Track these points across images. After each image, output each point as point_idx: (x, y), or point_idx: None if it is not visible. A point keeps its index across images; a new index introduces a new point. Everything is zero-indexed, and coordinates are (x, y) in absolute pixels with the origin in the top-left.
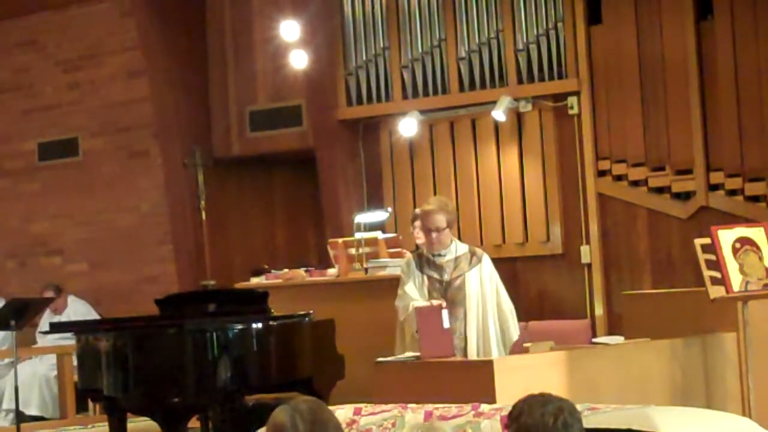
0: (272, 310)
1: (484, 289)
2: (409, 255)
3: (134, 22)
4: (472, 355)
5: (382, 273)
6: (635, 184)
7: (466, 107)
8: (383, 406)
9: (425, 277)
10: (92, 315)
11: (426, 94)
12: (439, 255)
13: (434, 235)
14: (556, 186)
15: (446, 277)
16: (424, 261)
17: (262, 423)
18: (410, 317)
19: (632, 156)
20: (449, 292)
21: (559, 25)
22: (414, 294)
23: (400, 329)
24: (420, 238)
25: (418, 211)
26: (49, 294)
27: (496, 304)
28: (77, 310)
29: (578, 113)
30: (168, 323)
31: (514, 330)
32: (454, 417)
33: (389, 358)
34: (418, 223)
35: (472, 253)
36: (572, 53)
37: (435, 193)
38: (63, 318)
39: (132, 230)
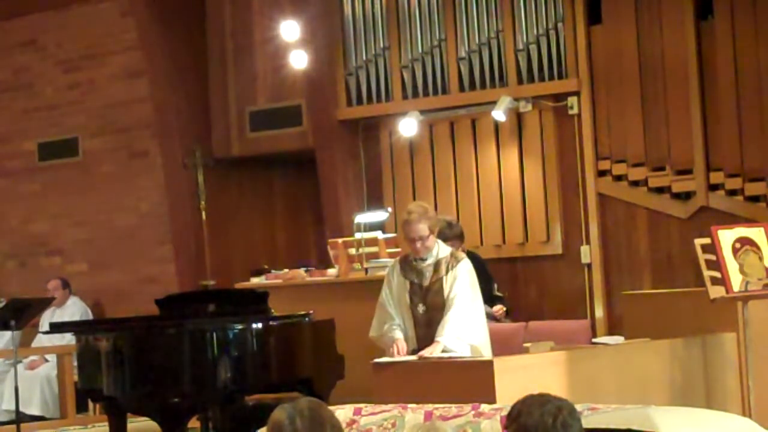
0: (272, 310)
1: (452, 290)
2: (396, 259)
3: (134, 22)
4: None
5: (382, 273)
6: (635, 184)
7: (466, 107)
8: (383, 406)
9: (407, 282)
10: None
11: (426, 94)
12: (421, 260)
13: (418, 243)
14: (556, 186)
15: (426, 282)
16: (408, 266)
17: (262, 423)
18: (383, 340)
19: (632, 156)
20: (428, 297)
21: (559, 25)
22: (392, 311)
23: (380, 310)
24: None
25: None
26: (55, 286)
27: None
28: (75, 312)
29: (578, 113)
30: (168, 323)
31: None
32: (454, 417)
33: (385, 359)
34: None
35: (453, 257)
36: (572, 53)
37: (435, 193)
38: (65, 312)
39: (132, 230)
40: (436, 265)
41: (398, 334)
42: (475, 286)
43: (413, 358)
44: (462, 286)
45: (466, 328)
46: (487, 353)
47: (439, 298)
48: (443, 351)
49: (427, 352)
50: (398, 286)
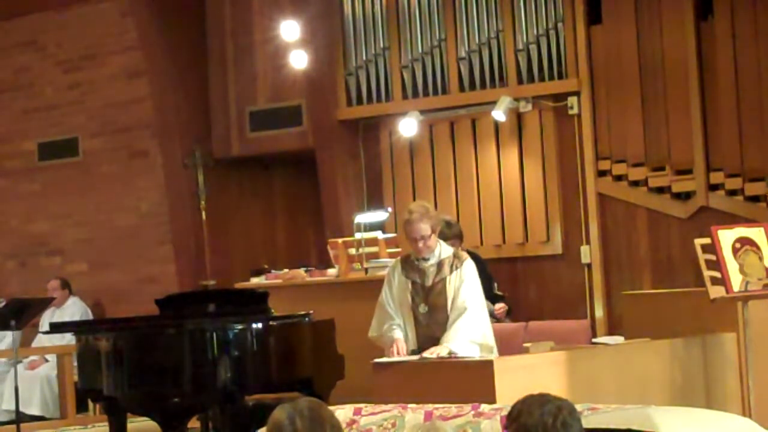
0: (272, 310)
1: (461, 293)
2: (397, 259)
3: (134, 22)
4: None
5: (382, 273)
6: (635, 184)
7: (466, 107)
8: (383, 406)
9: (409, 282)
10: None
11: (426, 94)
12: (424, 260)
13: (420, 243)
14: (556, 186)
15: (428, 282)
16: (409, 265)
17: (262, 423)
18: (383, 340)
19: (632, 156)
20: (430, 297)
21: (559, 25)
22: (392, 311)
23: (379, 310)
24: None
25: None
26: (55, 286)
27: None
28: (75, 312)
29: (578, 113)
30: (168, 323)
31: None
32: (454, 417)
33: (385, 359)
34: None
35: (456, 257)
36: (572, 53)
37: (435, 193)
38: (65, 312)
39: (132, 230)
40: (439, 265)
41: (398, 334)
42: (480, 288)
43: (414, 358)
44: (470, 290)
45: (476, 333)
46: (495, 351)
47: (441, 298)
48: (449, 354)
49: (433, 354)
50: (399, 286)
